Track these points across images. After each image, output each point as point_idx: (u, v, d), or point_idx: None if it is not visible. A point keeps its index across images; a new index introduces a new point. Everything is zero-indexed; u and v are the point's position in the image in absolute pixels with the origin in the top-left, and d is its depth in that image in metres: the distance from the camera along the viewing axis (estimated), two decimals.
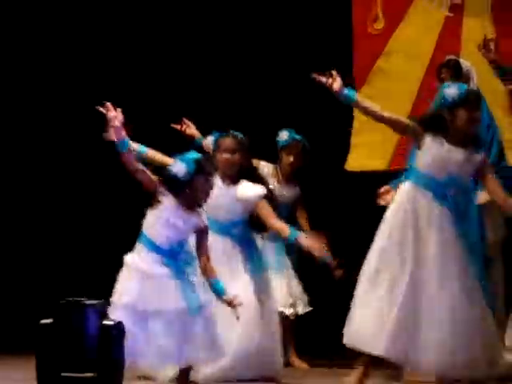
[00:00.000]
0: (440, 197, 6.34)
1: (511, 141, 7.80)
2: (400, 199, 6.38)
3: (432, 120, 6.35)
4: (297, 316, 8.21)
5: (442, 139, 6.22)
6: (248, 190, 7.04)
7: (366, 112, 6.40)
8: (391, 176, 7.41)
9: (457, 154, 6.27)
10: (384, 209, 6.80)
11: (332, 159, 8.60)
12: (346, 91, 6.16)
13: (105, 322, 5.13)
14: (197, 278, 6.27)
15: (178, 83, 9.61)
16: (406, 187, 6.33)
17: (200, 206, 6.31)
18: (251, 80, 9.13)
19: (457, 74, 7.39)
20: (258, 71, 9.13)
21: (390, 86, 8.50)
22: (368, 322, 6.15)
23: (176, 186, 6.19)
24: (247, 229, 7.28)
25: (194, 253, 6.37)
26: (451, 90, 6.33)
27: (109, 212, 9.48)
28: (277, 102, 8.99)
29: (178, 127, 7.72)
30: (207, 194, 6.25)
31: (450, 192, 6.37)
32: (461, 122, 6.23)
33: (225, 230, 7.13)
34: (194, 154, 6.31)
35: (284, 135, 8.08)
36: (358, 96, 6.33)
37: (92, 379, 5.00)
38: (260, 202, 7.05)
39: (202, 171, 6.19)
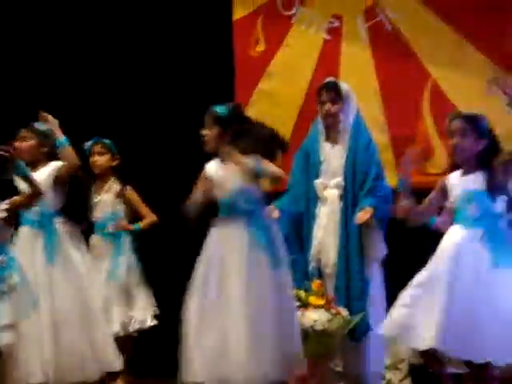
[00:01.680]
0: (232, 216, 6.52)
1: (387, 161, 7.80)
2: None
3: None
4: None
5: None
6: None
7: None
8: (273, 197, 7.33)
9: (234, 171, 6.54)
10: None
11: None
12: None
13: None
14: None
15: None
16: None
17: None
18: (134, 99, 9.03)
19: (336, 95, 7.35)
20: (139, 90, 9.00)
21: (273, 107, 8.51)
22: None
23: None
24: None
25: None
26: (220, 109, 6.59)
27: None
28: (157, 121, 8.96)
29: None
30: None
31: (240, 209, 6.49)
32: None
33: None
34: None
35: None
36: None
37: None
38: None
39: None
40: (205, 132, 6.55)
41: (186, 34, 8.92)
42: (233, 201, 6.50)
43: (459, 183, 6.06)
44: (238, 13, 8.73)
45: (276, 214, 7.26)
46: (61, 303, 6.77)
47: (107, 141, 8.34)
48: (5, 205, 6.69)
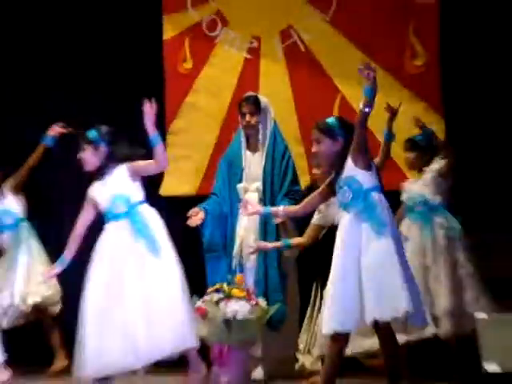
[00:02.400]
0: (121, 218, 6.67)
1: (302, 168, 8.00)
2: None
3: None
4: None
5: None
6: None
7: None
8: (200, 200, 7.64)
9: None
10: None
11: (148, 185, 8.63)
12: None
13: None
14: None
15: None
16: None
17: None
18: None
19: (256, 108, 7.58)
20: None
21: (198, 119, 8.58)
22: None
23: None
24: None
25: None
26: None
27: None
28: None
29: None
30: None
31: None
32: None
33: None
34: None
35: None
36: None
37: None
38: None
39: None
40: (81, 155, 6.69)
41: (120, 50, 8.82)
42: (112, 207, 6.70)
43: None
44: (168, 33, 8.66)
45: (201, 215, 7.41)
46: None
47: None
48: None
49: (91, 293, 6.58)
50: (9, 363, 7.47)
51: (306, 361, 7.51)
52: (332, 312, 5.95)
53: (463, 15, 8.04)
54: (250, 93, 7.80)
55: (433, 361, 7.24)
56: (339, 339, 5.97)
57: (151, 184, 8.47)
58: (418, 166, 7.30)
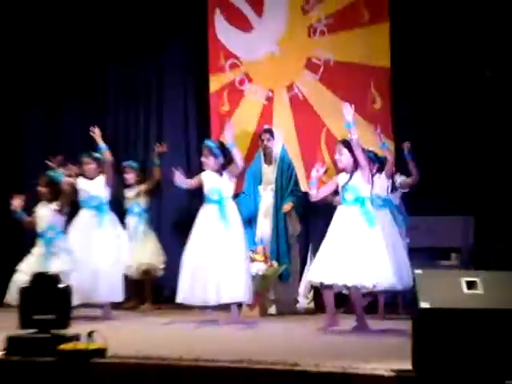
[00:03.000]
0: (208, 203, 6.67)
1: (301, 175, 7.88)
2: None
3: None
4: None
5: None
6: None
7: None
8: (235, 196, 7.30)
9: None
10: None
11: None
12: None
13: (59, 286, 4.97)
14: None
15: None
16: None
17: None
18: None
19: (271, 136, 7.64)
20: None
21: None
22: None
23: None
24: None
25: None
26: None
27: None
28: None
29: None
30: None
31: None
32: None
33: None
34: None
35: None
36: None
37: (51, 320, 4.85)
38: None
39: None
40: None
41: (182, 100, 8.59)
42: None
43: (342, 180, 6.13)
44: (213, 87, 8.49)
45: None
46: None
47: (134, 164, 8.08)
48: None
49: (189, 250, 6.59)
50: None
51: (303, 302, 7.59)
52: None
53: (410, 74, 7.87)
54: (267, 126, 7.88)
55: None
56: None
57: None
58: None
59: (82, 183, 7.17)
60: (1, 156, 8.77)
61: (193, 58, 8.62)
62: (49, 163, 6.89)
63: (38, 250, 6.75)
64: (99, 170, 7.17)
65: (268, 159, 7.71)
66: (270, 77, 8.43)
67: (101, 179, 7.13)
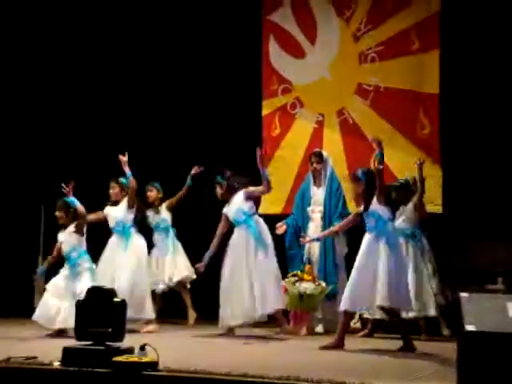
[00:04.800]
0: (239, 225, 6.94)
1: (350, 198, 7.61)
2: None
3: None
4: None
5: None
6: None
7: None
8: (284, 216, 7.67)
9: (233, 201, 7.02)
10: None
11: None
12: None
13: (115, 300, 5.06)
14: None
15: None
16: None
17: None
18: None
19: (320, 159, 7.58)
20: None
21: (284, 166, 8.42)
22: None
23: None
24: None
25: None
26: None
27: None
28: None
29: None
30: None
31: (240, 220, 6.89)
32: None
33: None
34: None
35: None
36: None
37: (106, 333, 4.90)
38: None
39: None
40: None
41: (235, 123, 8.51)
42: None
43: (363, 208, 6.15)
44: (265, 110, 8.56)
45: (284, 227, 7.45)
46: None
47: (156, 183, 8.04)
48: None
49: (225, 268, 6.79)
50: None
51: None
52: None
53: (459, 101, 7.83)
54: (316, 149, 7.82)
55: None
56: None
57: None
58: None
59: (107, 212, 7.45)
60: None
61: (245, 83, 8.62)
62: (63, 189, 6.99)
63: (64, 271, 6.93)
64: (123, 194, 7.40)
65: (317, 181, 7.68)
66: (321, 101, 8.45)
67: (123, 203, 7.37)
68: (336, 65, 8.40)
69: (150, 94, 8.91)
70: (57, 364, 4.87)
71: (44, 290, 6.97)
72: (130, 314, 6.60)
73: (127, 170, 7.21)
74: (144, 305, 7.18)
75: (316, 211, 7.62)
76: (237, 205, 7.01)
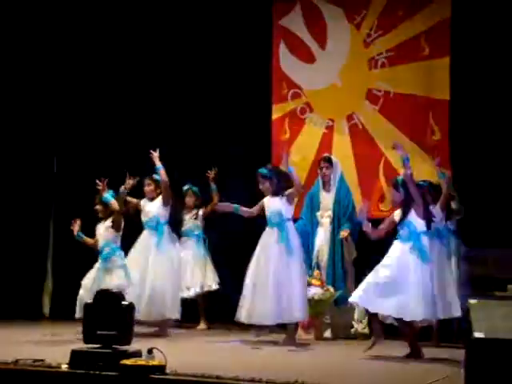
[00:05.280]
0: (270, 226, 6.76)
1: (358, 202, 7.66)
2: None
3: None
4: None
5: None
6: None
7: None
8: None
9: (270, 200, 6.87)
10: None
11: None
12: None
13: (123, 303, 5.04)
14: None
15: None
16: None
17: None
18: None
19: (330, 164, 7.61)
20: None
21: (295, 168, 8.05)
22: None
23: None
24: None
25: None
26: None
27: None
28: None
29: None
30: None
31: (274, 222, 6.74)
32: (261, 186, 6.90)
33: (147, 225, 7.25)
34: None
35: None
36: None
37: (114, 336, 4.90)
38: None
39: None
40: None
41: (246, 129, 8.51)
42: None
43: (397, 217, 6.10)
44: (276, 114, 8.57)
45: None
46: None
47: (194, 188, 8.10)
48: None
49: (251, 271, 6.71)
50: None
51: (358, 327, 7.44)
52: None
53: (469, 106, 7.82)
54: (326, 154, 7.85)
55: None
56: None
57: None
58: None
59: (143, 204, 7.38)
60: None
61: (255, 88, 8.63)
62: (97, 185, 7.00)
63: (97, 265, 6.95)
64: (158, 191, 7.33)
65: (326, 186, 7.69)
66: (331, 106, 8.47)
67: (159, 200, 7.29)
68: (346, 70, 8.42)
69: (161, 99, 8.94)
70: (64, 367, 4.89)
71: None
72: (160, 315, 6.80)
73: (158, 163, 7.14)
74: (176, 305, 7.14)
75: (325, 216, 7.63)
76: (278, 206, 6.83)
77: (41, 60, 9.02)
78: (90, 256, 7.26)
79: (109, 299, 5.06)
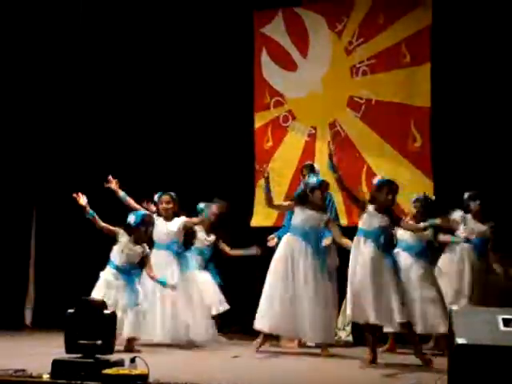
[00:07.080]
0: (306, 240, 6.64)
1: (340, 209, 7.78)
2: (282, 245, 6.65)
3: (299, 197, 6.72)
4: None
5: (304, 207, 6.60)
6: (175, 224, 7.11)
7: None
8: (275, 229, 7.60)
9: (314, 215, 6.64)
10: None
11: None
12: None
13: (105, 312, 4.95)
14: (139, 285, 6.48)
15: None
16: (286, 237, 6.63)
17: (143, 241, 6.50)
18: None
19: (312, 171, 7.47)
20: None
21: (276, 177, 8.15)
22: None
23: (129, 230, 6.48)
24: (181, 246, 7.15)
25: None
26: (311, 180, 6.71)
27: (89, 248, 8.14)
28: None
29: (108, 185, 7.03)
30: (147, 235, 6.55)
31: (312, 237, 6.66)
32: (317, 197, 6.64)
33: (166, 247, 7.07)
34: (141, 212, 6.63)
35: None
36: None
37: (96, 345, 4.81)
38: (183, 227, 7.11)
39: (143, 222, 6.51)
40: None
41: (228, 138, 8.50)
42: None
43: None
44: (258, 123, 8.60)
45: (275, 240, 7.23)
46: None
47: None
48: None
49: (281, 281, 6.60)
50: None
51: (341, 334, 7.50)
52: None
53: (450, 114, 7.86)
54: (309, 162, 7.79)
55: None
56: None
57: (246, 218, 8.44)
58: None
59: (159, 223, 7.09)
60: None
61: (237, 96, 8.63)
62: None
63: (114, 281, 6.59)
64: (173, 210, 7.17)
65: None
66: (313, 114, 8.49)
67: (177, 221, 7.12)
68: (328, 78, 8.47)
69: (142, 108, 8.90)
70: (46, 377, 4.82)
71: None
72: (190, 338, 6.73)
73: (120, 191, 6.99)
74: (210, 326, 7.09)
75: None
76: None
77: (29, 68, 8.98)
78: (73, 263, 7.18)
79: (91, 308, 5.00)
